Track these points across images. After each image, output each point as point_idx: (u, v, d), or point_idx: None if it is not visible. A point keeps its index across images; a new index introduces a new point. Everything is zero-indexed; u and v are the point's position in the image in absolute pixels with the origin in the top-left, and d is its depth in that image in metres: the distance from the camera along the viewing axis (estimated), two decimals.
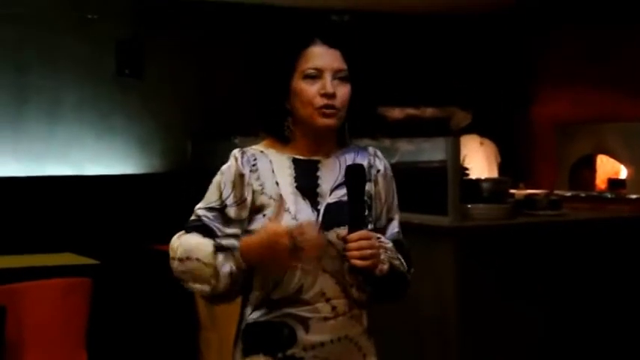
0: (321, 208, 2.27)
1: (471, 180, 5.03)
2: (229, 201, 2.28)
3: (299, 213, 2.24)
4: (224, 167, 2.33)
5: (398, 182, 4.62)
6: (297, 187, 2.28)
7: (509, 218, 4.65)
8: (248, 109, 2.42)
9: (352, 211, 2.19)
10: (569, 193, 6.23)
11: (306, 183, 2.28)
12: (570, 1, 7.88)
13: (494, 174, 7.54)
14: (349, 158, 2.35)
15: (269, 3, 7.55)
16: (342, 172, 2.30)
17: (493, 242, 4.46)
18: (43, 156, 7.09)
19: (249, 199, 2.27)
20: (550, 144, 8.12)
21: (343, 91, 2.26)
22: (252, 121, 2.40)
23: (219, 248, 2.21)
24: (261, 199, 2.27)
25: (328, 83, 2.24)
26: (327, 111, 2.24)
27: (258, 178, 2.28)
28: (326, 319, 2.25)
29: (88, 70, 7.34)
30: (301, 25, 2.32)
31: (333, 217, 2.25)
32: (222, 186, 2.30)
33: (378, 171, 2.37)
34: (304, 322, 2.24)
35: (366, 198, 2.30)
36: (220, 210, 2.28)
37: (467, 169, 5.17)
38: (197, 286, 2.24)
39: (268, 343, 2.27)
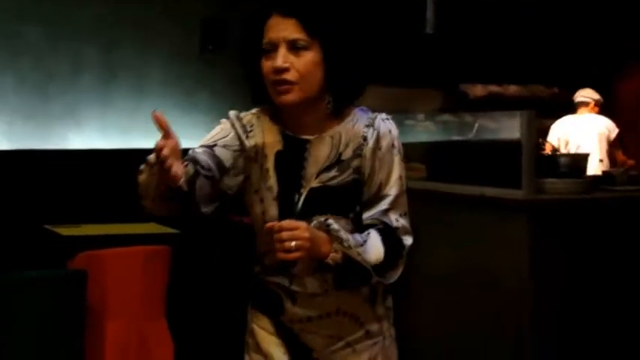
0: (304, 192, 2.17)
1: (548, 155, 5.00)
2: (220, 142, 2.20)
3: (279, 197, 2.18)
4: (222, 120, 2.27)
5: (476, 156, 4.63)
6: (282, 167, 2.19)
7: (585, 193, 4.60)
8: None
9: (280, 198, 2.13)
10: None
11: (292, 165, 2.19)
12: None
13: (597, 151, 7.47)
14: (345, 133, 2.20)
15: None
16: (334, 152, 2.19)
17: (568, 216, 4.42)
18: (129, 130, 7.28)
19: (241, 152, 2.21)
20: (635, 122, 7.97)
21: (300, 62, 2.10)
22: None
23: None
24: (253, 167, 2.22)
25: (279, 57, 2.10)
26: (280, 87, 2.11)
27: (254, 145, 2.21)
28: (313, 295, 2.18)
29: (173, 47, 7.50)
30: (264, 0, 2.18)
31: (314, 203, 2.16)
32: (215, 133, 2.24)
33: (367, 145, 2.19)
34: (291, 295, 2.20)
35: (356, 176, 2.19)
36: (210, 147, 2.20)
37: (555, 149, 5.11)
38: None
39: (264, 305, 2.26)
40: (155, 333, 5.00)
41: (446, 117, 5.53)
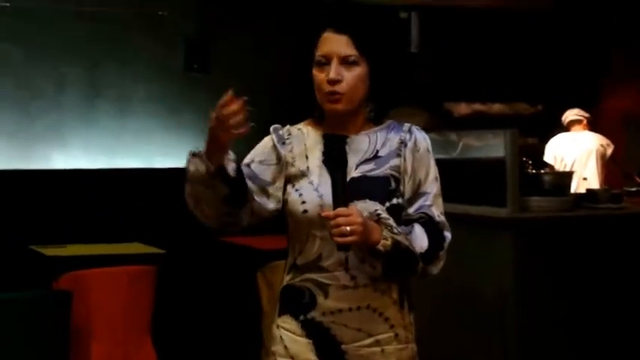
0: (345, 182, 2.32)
1: (533, 173, 5.02)
2: (257, 158, 2.41)
3: (321, 185, 2.34)
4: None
5: (461, 174, 4.64)
6: (323, 161, 2.37)
7: (569, 211, 4.63)
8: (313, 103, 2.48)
9: (334, 186, 2.27)
10: (633, 189, 6.15)
11: (333, 157, 2.35)
12: None
13: (593, 167, 7.51)
14: (381, 135, 2.42)
15: None
16: (371, 148, 2.41)
17: (552, 234, 4.44)
18: (114, 149, 7.27)
19: (278, 164, 2.40)
20: (619, 139, 8.01)
21: (350, 76, 2.34)
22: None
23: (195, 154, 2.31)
24: (290, 170, 2.40)
25: (333, 70, 2.33)
26: (332, 97, 2.35)
27: (291, 151, 2.41)
28: (345, 287, 2.32)
29: (157, 66, 7.51)
30: (318, 15, 2.42)
31: (354, 190, 2.32)
32: (254, 150, 2.44)
33: (406, 146, 2.40)
34: (323, 288, 2.34)
35: (394, 173, 2.39)
36: (247, 165, 2.39)
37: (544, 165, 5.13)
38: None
39: (293, 306, 2.39)
40: (140, 353, 4.98)
41: (430, 135, 5.53)
